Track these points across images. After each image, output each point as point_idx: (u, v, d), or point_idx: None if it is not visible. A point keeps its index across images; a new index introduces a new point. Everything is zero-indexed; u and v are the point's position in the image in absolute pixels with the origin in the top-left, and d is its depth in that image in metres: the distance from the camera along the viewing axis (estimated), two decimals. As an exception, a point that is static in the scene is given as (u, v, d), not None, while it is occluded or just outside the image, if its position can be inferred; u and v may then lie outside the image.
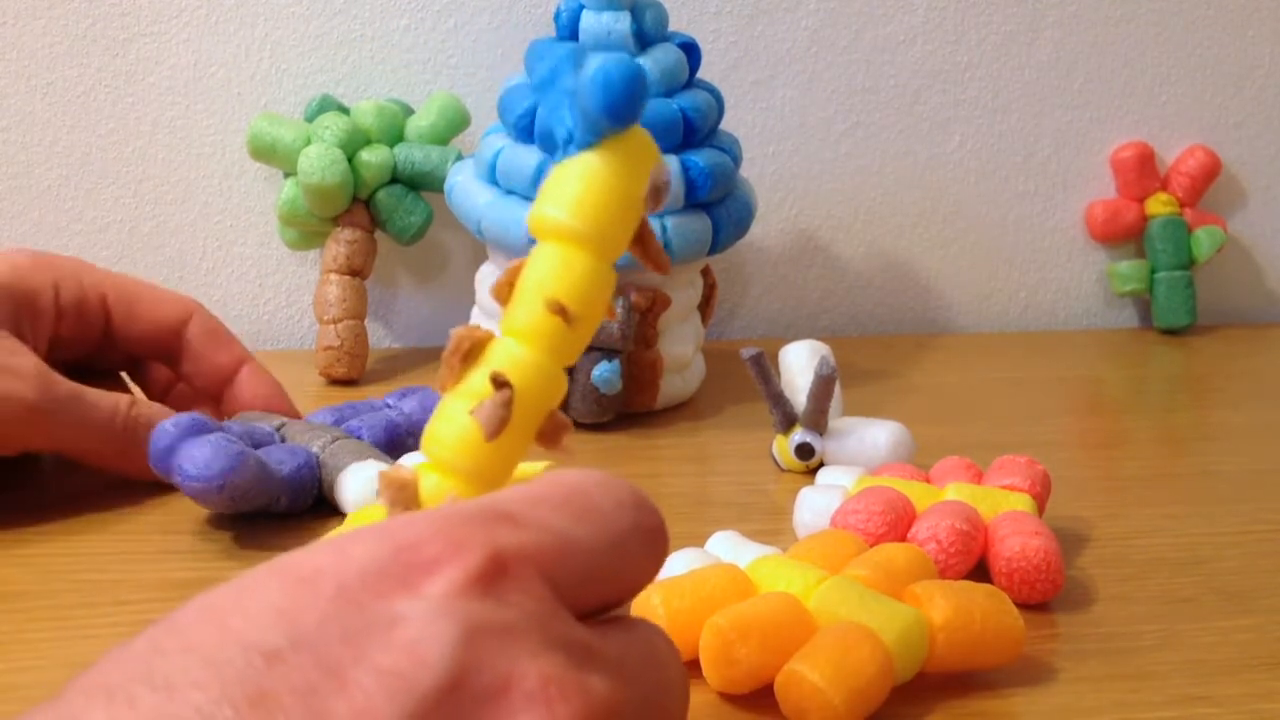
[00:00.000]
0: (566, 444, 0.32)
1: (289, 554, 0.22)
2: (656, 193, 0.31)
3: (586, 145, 0.30)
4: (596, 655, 0.22)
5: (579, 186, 0.30)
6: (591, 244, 0.30)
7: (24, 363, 0.46)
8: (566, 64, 0.31)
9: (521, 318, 0.30)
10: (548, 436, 0.31)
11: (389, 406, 0.53)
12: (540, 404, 0.30)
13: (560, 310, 0.30)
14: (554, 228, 0.30)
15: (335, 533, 0.26)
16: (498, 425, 0.29)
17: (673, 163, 0.57)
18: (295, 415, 0.53)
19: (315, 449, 0.48)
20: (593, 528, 0.24)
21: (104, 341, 0.52)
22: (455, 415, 0.29)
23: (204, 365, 0.53)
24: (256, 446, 0.47)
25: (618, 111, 0.30)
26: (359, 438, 0.50)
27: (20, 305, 0.48)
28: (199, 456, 0.43)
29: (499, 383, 0.29)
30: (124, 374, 0.55)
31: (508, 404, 0.29)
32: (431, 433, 0.30)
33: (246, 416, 0.52)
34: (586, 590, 0.24)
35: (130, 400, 0.49)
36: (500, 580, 0.22)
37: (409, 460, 0.47)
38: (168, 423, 0.45)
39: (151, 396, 0.54)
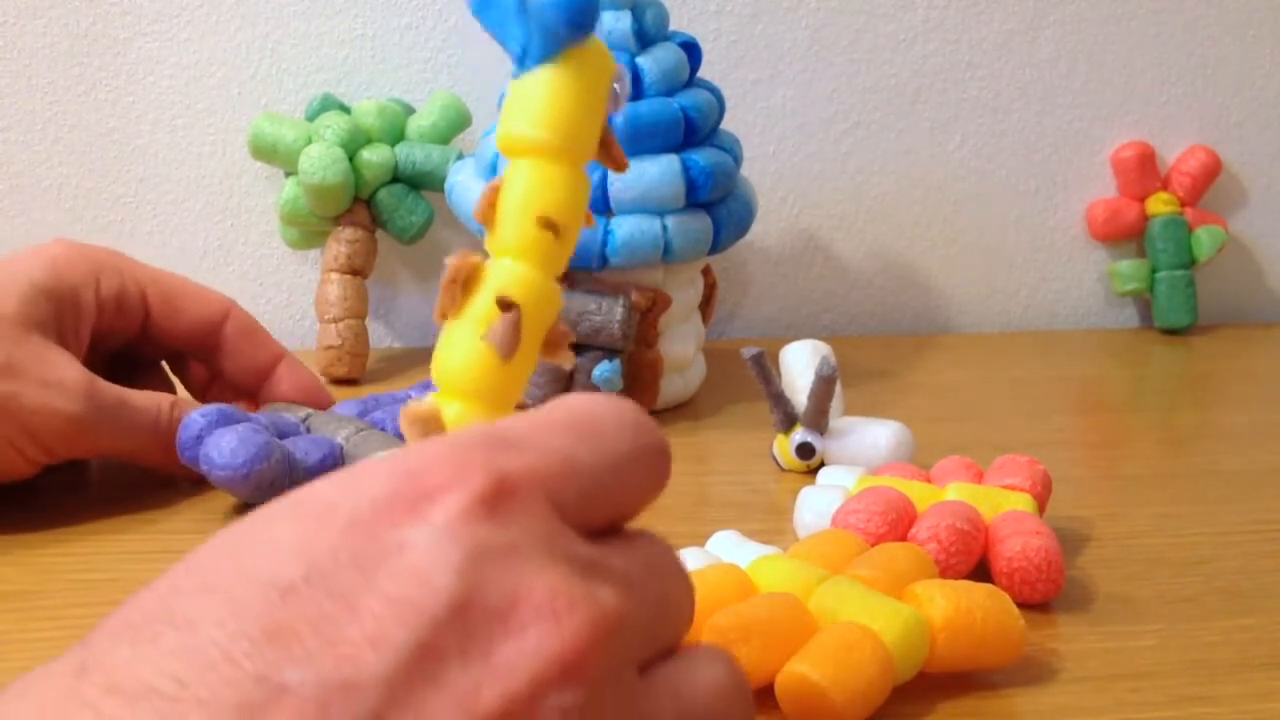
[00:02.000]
0: (568, 352, 0.33)
1: (302, 489, 0.23)
2: (615, 96, 0.32)
3: (544, 59, 0.31)
4: (601, 568, 0.23)
5: (546, 100, 0.31)
6: (565, 154, 0.31)
7: (68, 375, 0.46)
8: None
9: (512, 236, 0.31)
10: (551, 347, 0.31)
11: (411, 397, 0.54)
12: (542, 317, 0.31)
13: (549, 224, 0.30)
14: (528, 144, 0.31)
15: None
16: (512, 345, 0.29)
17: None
18: (330, 399, 0.55)
19: (340, 439, 0.49)
20: (595, 448, 0.24)
21: (143, 335, 0.52)
22: (465, 342, 0.30)
23: (242, 361, 0.54)
24: (283, 437, 0.48)
25: (578, 21, 0.30)
26: (383, 429, 0.50)
27: (63, 304, 0.48)
28: (225, 446, 0.45)
29: (505, 304, 0.30)
30: (165, 365, 0.56)
31: (517, 324, 0.30)
32: (443, 362, 0.30)
33: (274, 407, 0.52)
34: (590, 508, 0.24)
35: (172, 401, 0.49)
36: (504, 502, 0.22)
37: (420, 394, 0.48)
38: (196, 413, 0.47)
39: (191, 392, 0.56)
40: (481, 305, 0.30)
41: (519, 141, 0.31)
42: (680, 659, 0.25)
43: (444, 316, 0.31)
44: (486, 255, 0.32)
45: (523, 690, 0.20)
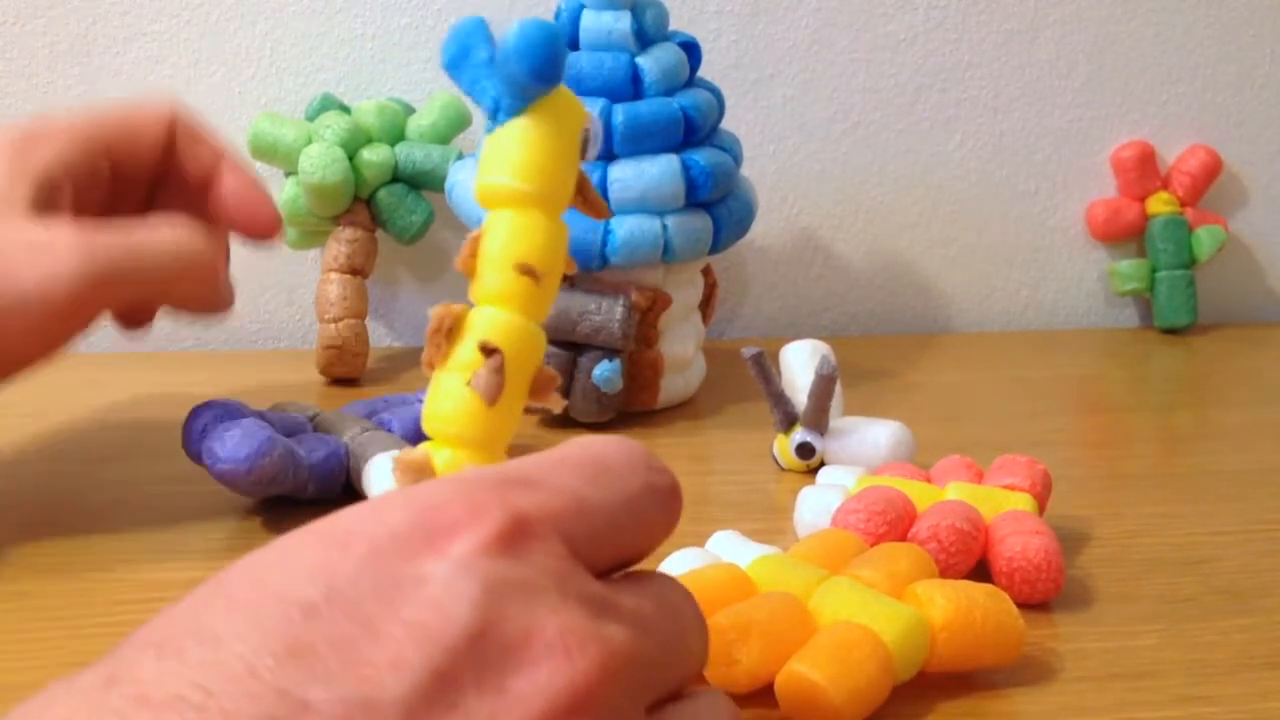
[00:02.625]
0: (556, 395, 0.34)
1: (324, 519, 0.23)
2: (586, 144, 0.33)
3: (515, 111, 0.32)
4: (612, 607, 0.24)
5: (520, 151, 0.32)
6: (542, 203, 0.32)
7: (56, 237, 0.42)
8: (477, 36, 0.32)
9: (493, 284, 0.31)
10: (539, 391, 0.32)
11: (420, 401, 0.54)
12: (527, 361, 0.31)
13: (529, 271, 0.31)
14: (505, 194, 0.32)
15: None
16: (496, 390, 0.30)
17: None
18: (274, 214, 0.50)
19: (345, 439, 0.49)
20: (606, 489, 0.25)
21: (112, 189, 0.48)
22: (452, 389, 0.31)
23: (190, 167, 0.48)
24: (289, 434, 0.48)
25: (544, 73, 0.31)
26: (389, 430, 0.51)
27: (37, 189, 0.44)
28: (229, 440, 0.45)
29: (488, 350, 0.30)
30: None
31: (500, 369, 0.30)
32: (432, 411, 0.31)
33: (281, 406, 0.52)
34: (602, 548, 0.25)
35: (188, 225, 0.45)
36: (518, 540, 0.23)
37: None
38: (200, 407, 0.46)
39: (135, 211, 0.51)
40: (466, 353, 0.31)
41: (497, 192, 0.32)
42: (687, 702, 0.25)
43: (431, 366, 0.32)
44: (470, 304, 0.33)
45: None
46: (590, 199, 0.34)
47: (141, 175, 0.49)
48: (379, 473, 0.47)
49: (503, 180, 0.32)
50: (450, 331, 0.32)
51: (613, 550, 0.25)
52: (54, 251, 0.41)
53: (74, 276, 0.41)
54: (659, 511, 0.26)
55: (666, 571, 0.40)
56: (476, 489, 0.24)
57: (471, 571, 0.22)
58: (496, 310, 0.31)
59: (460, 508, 0.23)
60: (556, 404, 0.33)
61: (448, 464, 0.31)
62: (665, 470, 0.27)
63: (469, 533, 0.23)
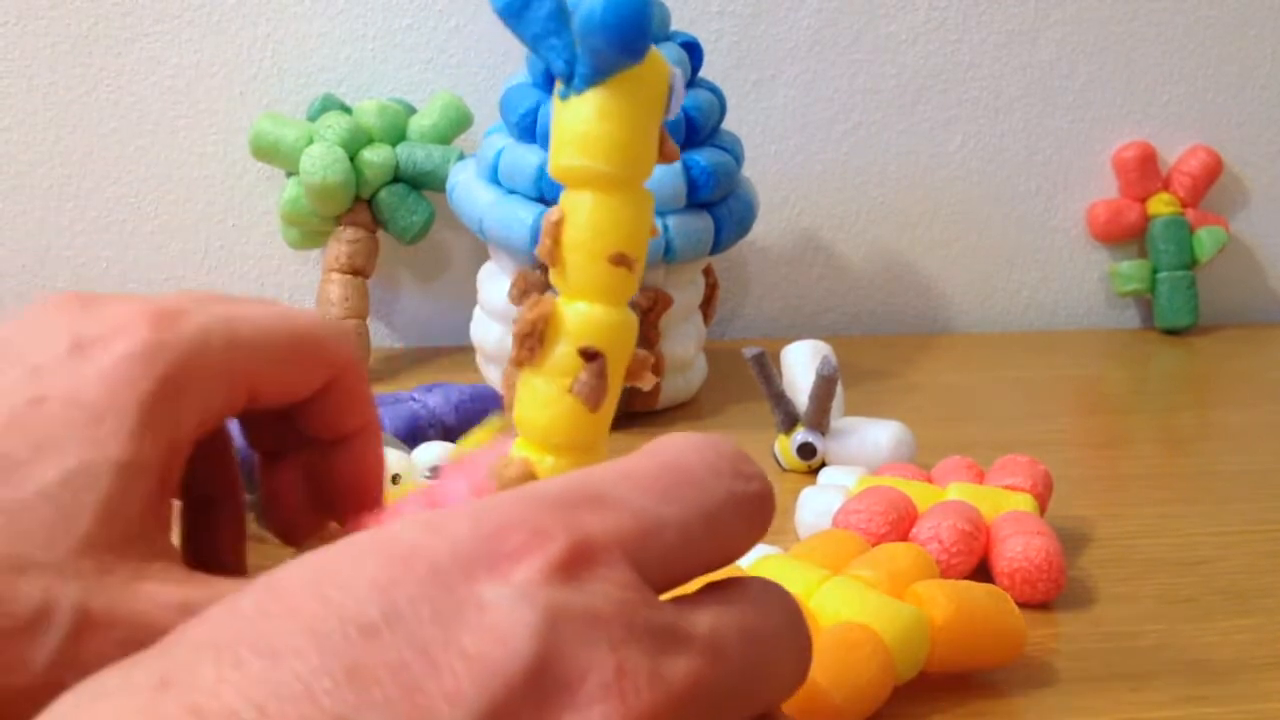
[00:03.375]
0: (649, 374, 0.32)
1: (386, 529, 0.23)
2: (669, 103, 0.30)
3: (595, 82, 0.29)
4: (683, 637, 0.22)
5: (604, 129, 0.29)
6: (630, 184, 0.30)
7: (159, 596, 0.28)
8: None
9: (585, 277, 0.29)
10: (632, 374, 0.31)
11: (414, 399, 0.54)
12: (624, 354, 0.30)
13: (623, 261, 0.29)
14: (589, 177, 0.29)
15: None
16: (600, 396, 0.29)
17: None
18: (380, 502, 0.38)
19: None
20: (684, 502, 0.24)
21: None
22: (551, 396, 0.29)
23: (327, 424, 0.35)
24: None
25: (633, 47, 0.28)
26: (382, 427, 0.51)
27: (164, 453, 0.29)
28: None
29: (590, 355, 0.29)
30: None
31: (603, 373, 0.29)
32: (530, 418, 0.29)
33: None
34: (676, 567, 0.24)
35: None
36: (584, 567, 0.22)
37: (428, 448, 0.47)
38: None
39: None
40: (564, 357, 0.29)
41: (579, 174, 0.30)
42: None
43: (521, 365, 0.30)
44: (549, 288, 0.31)
45: None
46: (665, 148, 0.31)
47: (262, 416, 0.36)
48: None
49: (586, 162, 0.29)
50: (543, 333, 0.30)
51: (688, 568, 0.24)
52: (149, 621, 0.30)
53: (149, 351, 0.29)
54: (743, 522, 0.25)
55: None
56: (543, 510, 0.23)
57: (533, 601, 0.21)
58: (590, 307, 0.30)
59: (525, 530, 0.22)
60: (649, 382, 0.32)
61: (551, 471, 0.30)
62: (755, 475, 0.25)
63: (532, 558, 0.22)
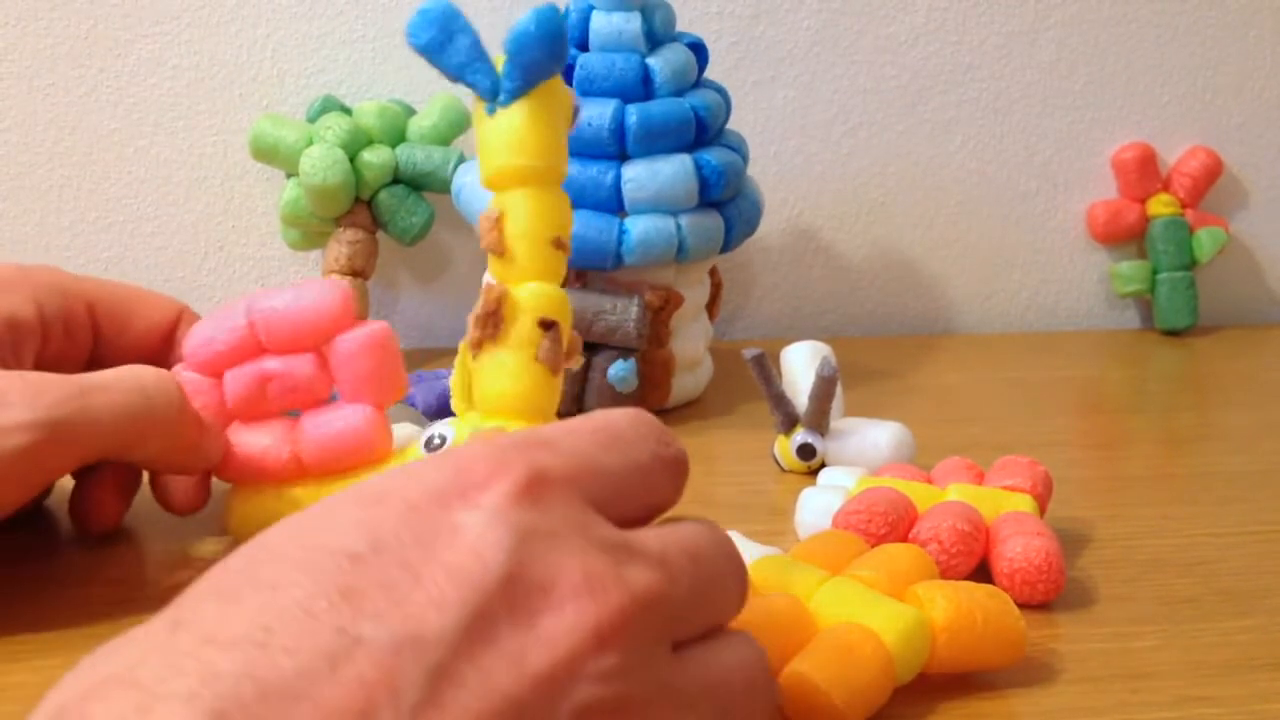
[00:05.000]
0: (579, 356, 0.36)
1: (363, 481, 0.26)
2: (574, 118, 0.35)
3: (521, 93, 0.33)
4: (634, 552, 0.25)
5: (533, 131, 0.33)
6: (555, 178, 0.34)
7: (5, 385, 0.37)
8: (456, 22, 0.34)
9: (532, 261, 0.33)
10: (571, 354, 0.34)
11: (439, 378, 0.55)
12: (568, 328, 0.33)
13: (561, 244, 0.33)
14: (524, 174, 0.33)
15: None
16: (559, 359, 0.33)
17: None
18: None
19: None
20: (619, 454, 0.27)
21: (93, 357, 0.46)
22: (518, 366, 0.32)
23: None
24: None
25: (558, 53, 0.33)
26: (412, 405, 0.52)
27: None
28: None
29: (547, 324, 0.33)
30: None
31: (560, 339, 0.32)
32: (497, 390, 0.33)
33: None
34: (615, 508, 0.27)
35: (155, 373, 0.40)
36: (543, 492, 0.25)
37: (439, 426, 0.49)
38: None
39: None
40: (524, 329, 0.32)
41: (514, 173, 0.33)
42: (711, 642, 0.27)
43: (478, 347, 0.33)
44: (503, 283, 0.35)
45: (563, 658, 0.23)
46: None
47: (130, 358, 0.45)
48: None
49: (520, 160, 0.33)
50: (501, 309, 0.33)
51: (624, 510, 0.27)
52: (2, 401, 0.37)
53: (22, 429, 0.36)
54: (667, 478, 0.29)
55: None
56: (502, 449, 0.26)
57: (503, 520, 0.24)
58: (540, 285, 0.33)
59: (488, 464, 0.25)
60: (577, 362, 0.35)
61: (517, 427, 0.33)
62: (673, 441, 0.29)
63: (497, 486, 0.25)
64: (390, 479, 0.25)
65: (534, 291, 0.33)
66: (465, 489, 0.25)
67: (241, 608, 0.22)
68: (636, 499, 0.28)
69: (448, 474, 0.25)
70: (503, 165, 0.34)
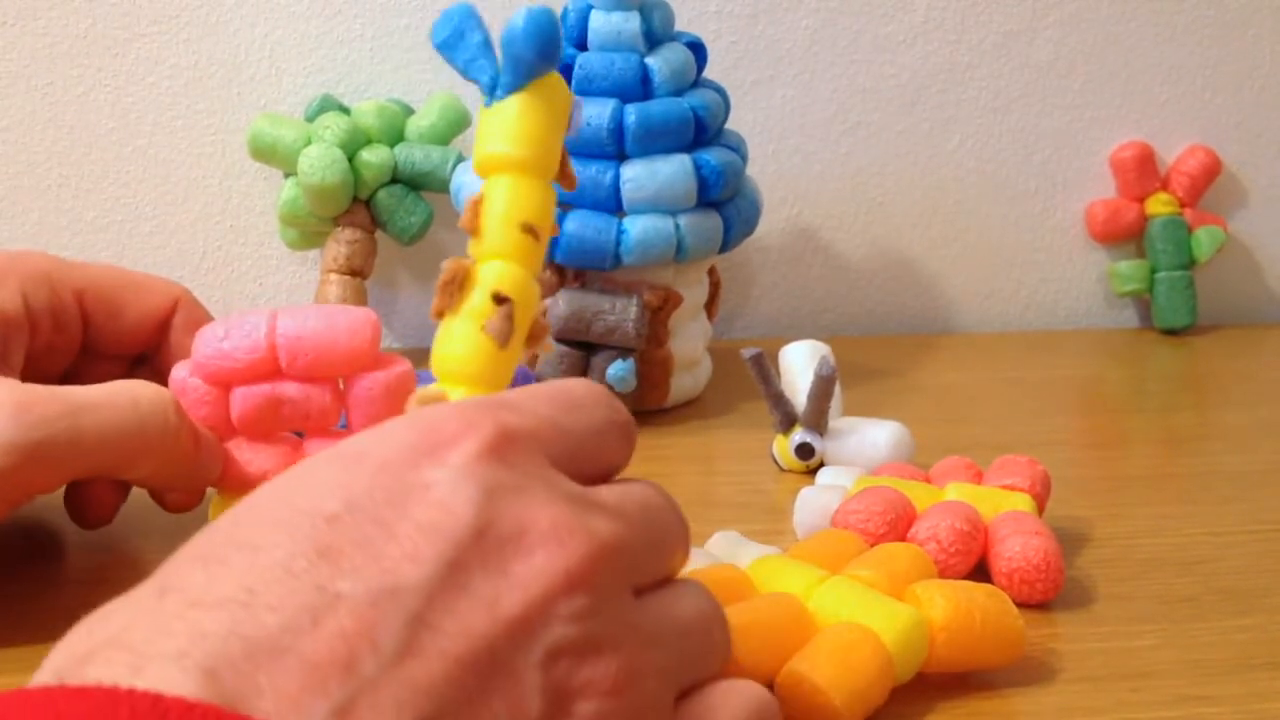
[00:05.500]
0: (548, 341, 0.38)
1: (338, 443, 0.27)
2: (572, 119, 0.36)
3: (514, 89, 0.35)
4: (594, 504, 0.27)
5: (518, 122, 0.35)
6: (537, 169, 0.35)
7: None
8: (470, 21, 0.36)
9: (498, 242, 0.35)
10: (534, 338, 0.36)
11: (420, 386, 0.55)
12: (528, 310, 0.35)
13: (530, 230, 0.35)
14: (505, 161, 0.35)
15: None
16: (507, 334, 0.34)
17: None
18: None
19: None
20: (577, 417, 0.29)
21: (87, 347, 0.46)
22: (466, 334, 0.34)
23: (184, 355, 0.44)
24: None
25: (547, 53, 0.34)
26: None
27: None
28: None
29: (500, 299, 0.34)
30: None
31: (511, 316, 0.34)
32: (445, 354, 0.35)
33: None
34: (574, 466, 0.28)
35: (153, 388, 0.40)
36: (508, 450, 0.26)
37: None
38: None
39: None
40: (477, 302, 0.34)
41: (498, 160, 0.35)
42: (670, 588, 0.29)
43: (439, 314, 0.35)
44: (473, 259, 0.36)
45: (535, 600, 0.24)
46: (566, 171, 0.37)
47: (124, 347, 0.46)
48: None
49: (504, 148, 0.35)
50: (462, 283, 0.35)
51: (582, 469, 0.29)
52: None
53: (3, 445, 0.36)
54: (620, 440, 0.30)
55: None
56: (468, 410, 0.27)
57: (470, 476, 0.25)
58: (503, 264, 0.34)
59: (456, 424, 0.26)
60: (547, 348, 0.37)
61: (462, 399, 0.35)
62: (622, 408, 0.31)
63: (465, 443, 0.26)
64: (363, 441, 0.27)
65: (494, 269, 0.35)
66: (434, 448, 0.26)
67: (225, 570, 0.23)
68: (593, 458, 0.29)
69: (417, 434, 0.26)
70: (488, 152, 0.36)
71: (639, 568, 0.28)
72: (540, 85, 0.35)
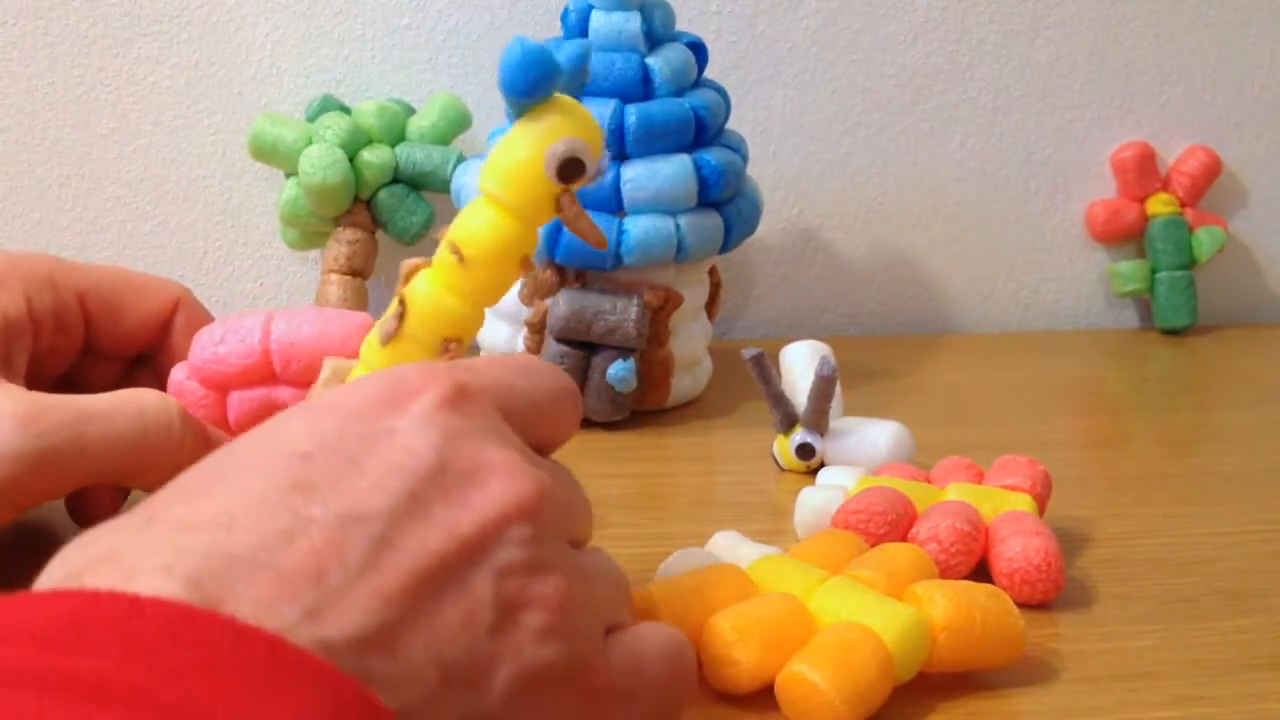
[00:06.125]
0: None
1: (309, 399, 0.30)
2: (568, 167, 0.35)
3: (512, 116, 0.36)
4: (538, 463, 0.30)
5: (494, 150, 0.36)
6: (494, 201, 0.36)
7: None
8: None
9: (435, 256, 0.36)
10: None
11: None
12: (433, 327, 0.36)
13: (455, 250, 0.36)
14: (479, 186, 0.36)
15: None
16: (386, 335, 0.36)
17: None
18: None
19: None
20: (527, 380, 0.32)
21: (88, 350, 0.45)
22: (376, 327, 0.37)
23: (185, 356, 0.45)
24: None
25: (511, 87, 0.35)
26: None
27: None
28: None
29: (399, 302, 0.36)
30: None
31: (399, 319, 0.36)
32: (368, 336, 0.37)
33: None
34: (523, 424, 0.31)
35: (159, 396, 0.40)
36: (464, 403, 0.29)
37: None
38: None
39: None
40: (393, 303, 0.36)
41: (479, 185, 0.36)
42: (587, 548, 0.32)
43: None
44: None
45: (490, 523, 0.27)
46: (567, 218, 0.36)
47: (126, 348, 0.46)
48: None
49: (479, 175, 0.36)
50: (403, 281, 0.37)
51: (531, 431, 0.31)
52: None
53: (9, 460, 0.36)
54: (567, 407, 0.33)
55: (667, 570, 0.40)
56: (431, 367, 0.30)
57: (430, 423, 0.28)
58: (424, 277, 0.36)
59: (419, 379, 0.29)
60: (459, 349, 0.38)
61: (354, 376, 0.37)
62: (569, 380, 0.34)
63: (425, 395, 0.29)
64: (335, 394, 0.29)
65: (419, 277, 0.37)
66: (398, 400, 0.29)
67: (207, 501, 0.25)
68: (542, 420, 0.32)
69: (383, 388, 0.29)
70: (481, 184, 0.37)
71: (569, 522, 0.31)
72: (530, 117, 0.35)
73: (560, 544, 0.29)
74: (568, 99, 0.36)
